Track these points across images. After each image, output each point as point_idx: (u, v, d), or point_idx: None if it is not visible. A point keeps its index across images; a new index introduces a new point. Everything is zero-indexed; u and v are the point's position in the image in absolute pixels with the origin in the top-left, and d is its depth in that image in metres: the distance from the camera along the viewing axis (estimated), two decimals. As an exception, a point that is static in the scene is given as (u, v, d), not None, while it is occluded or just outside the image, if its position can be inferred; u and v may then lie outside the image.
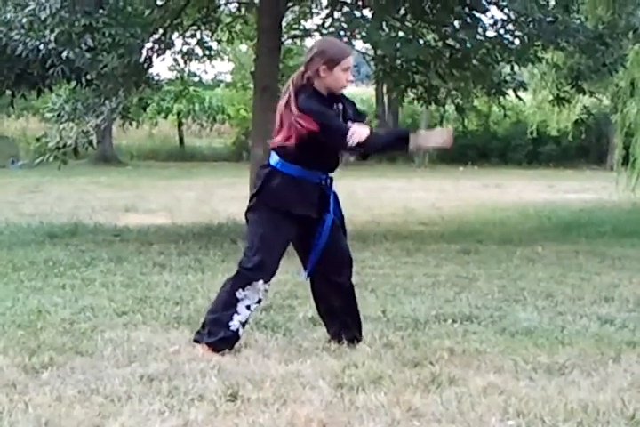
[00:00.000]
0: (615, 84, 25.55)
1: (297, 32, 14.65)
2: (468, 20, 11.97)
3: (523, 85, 13.45)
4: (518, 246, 11.31)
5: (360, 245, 11.11)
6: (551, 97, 14.68)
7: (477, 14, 12.08)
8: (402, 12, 12.30)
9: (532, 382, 4.98)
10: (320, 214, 5.60)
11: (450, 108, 17.27)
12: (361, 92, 39.55)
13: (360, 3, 12.36)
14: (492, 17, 12.35)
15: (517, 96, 13.53)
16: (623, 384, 4.93)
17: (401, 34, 12.02)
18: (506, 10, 12.04)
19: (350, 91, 36.51)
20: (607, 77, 13.69)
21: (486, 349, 5.67)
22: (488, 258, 10.32)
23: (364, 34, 11.51)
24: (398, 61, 12.16)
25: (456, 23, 12.20)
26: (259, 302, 5.59)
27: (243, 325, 5.53)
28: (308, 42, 14.27)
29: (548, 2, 11.91)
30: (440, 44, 12.43)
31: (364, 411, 4.40)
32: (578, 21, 11.96)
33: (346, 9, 12.05)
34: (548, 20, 11.48)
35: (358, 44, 12.56)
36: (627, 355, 5.57)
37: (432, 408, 4.46)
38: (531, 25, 11.51)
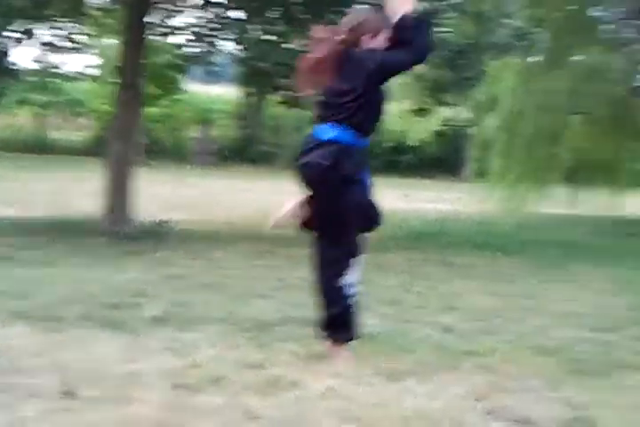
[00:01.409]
0: (475, 98, 26.15)
1: (164, 29, 14.51)
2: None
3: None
4: (370, 253, 11.36)
5: (214, 245, 11.14)
6: (412, 107, 14.95)
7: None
8: (273, 15, 12.33)
9: (370, 388, 5.04)
10: None
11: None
12: (226, 93, 39.47)
13: (230, 4, 12.34)
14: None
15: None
16: (458, 393, 5.03)
17: (269, 37, 12.05)
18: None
19: (216, 91, 36.11)
20: (467, 91, 14.00)
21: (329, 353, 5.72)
22: (339, 263, 10.38)
23: (234, 35, 11.52)
24: (265, 64, 12.17)
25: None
26: None
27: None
28: (174, 39, 14.11)
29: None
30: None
31: (201, 412, 4.39)
32: (443, 35, 12.20)
33: (215, 9, 12.02)
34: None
35: (227, 45, 12.51)
36: (464, 364, 5.68)
37: (270, 411, 4.48)
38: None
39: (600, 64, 16.76)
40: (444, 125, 36.59)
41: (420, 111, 13.64)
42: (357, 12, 5.92)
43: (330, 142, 5.42)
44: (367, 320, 6.94)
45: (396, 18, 5.45)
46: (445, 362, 5.69)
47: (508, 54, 13.01)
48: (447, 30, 12.61)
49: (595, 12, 19.85)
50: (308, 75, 5.67)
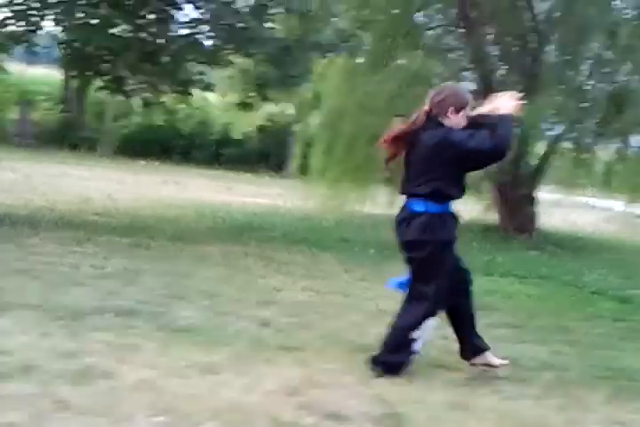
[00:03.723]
0: (300, 95, 26.36)
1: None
2: (163, 15, 11.97)
3: (210, 87, 13.60)
4: (189, 245, 11.39)
5: (30, 231, 10.87)
6: (237, 101, 14.96)
7: (173, 11, 12.10)
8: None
9: (184, 380, 5.03)
10: None
11: (137, 100, 17.17)
12: (49, 75, 38.51)
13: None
14: (188, 15, 12.41)
15: (204, 96, 13.67)
16: (272, 387, 5.08)
17: (93, 20, 11.81)
18: (201, 10, 12.13)
19: (39, 72, 35.05)
20: (293, 88, 14.10)
21: (143, 344, 5.68)
22: (158, 254, 10.32)
23: (55, 16, 11.26)
24: (88, 48, 11.92)
25: (150, 17, 12.15)
26: None
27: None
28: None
29: (242, 9, 12.11)
30: (132, 35, 12.31)
31: (10, 401, 4.29)
32: (269, 31, 12.23)
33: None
34: (241, 26, 11.67)
35: (48, 26, 12.20)
36: (279, 358, 5.74)
37: (82, 401, 4.42)
38: (223, 28, 11.66)
39: (422, 69, 17.13)
40: (269, 121, 36.79)
41: (245, 105, 13.68)
42: (443, 87, 6.13)
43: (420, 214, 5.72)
44: (184, 312, 6.95)
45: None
46: (261, 356, 5.73)
47: (333, 54, 13.16)
48: (273, 26, 12.68)
49: (418, 18, 20.32)
50: (389, 148, 5.92)
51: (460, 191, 5.81)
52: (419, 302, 5.74)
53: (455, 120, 5.80)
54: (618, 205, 18.78)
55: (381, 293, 9.27)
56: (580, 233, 19.89)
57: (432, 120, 5.78)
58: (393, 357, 5.72)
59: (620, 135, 18.15)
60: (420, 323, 5.69)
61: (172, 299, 7.50)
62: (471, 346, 6.03)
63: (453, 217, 5.82)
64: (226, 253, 11.05)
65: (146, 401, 4.53)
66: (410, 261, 5.81)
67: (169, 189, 21.70)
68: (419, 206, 5.71)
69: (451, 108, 5.78)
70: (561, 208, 19.36)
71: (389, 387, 5.35)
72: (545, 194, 19.28)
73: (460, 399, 5.26)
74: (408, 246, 5.78)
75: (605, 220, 22.54)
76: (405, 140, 5.82)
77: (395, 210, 6.02)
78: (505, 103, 5.78)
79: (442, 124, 5.77)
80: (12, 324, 5.80)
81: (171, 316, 6.73)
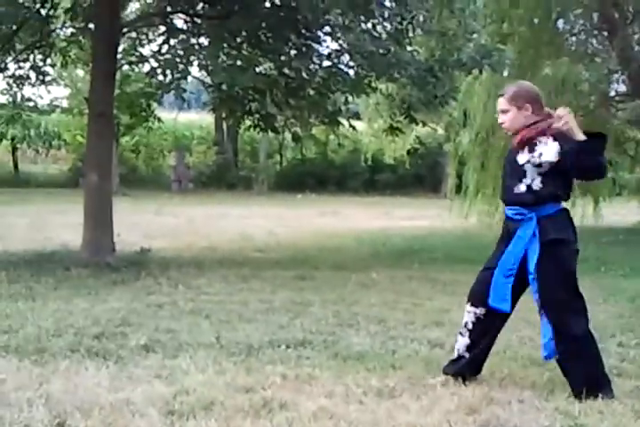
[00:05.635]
0: (449, 115, 26.23)
1: (133, 58, 14.48)
2: (304, 49, 12.11)
3: (357, 115, 13.68)
4: (353, 272, 11.44)
5: (196, 271, 11.13)
6: (385, 126, 14.97)
7: (313, 44, 12.23)
8: (238, 40, 12.36)
9: (362, 406, 5.04)
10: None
11: (288, 135, 17.40)
12: (201, 119, 39.50)
13: (196, 30, 12.38)
14: (328, 47, 12.53)
15: (351, 125, 13.73)
16: (450, 407, 5.04)
17: (237, 62, 12.05)
18: (340, 41, 12.24)
19: (191, 118, 36.03)
20: (440, 108, 14.03)
21: (318, 373, 5.72)
22: (323, 284, 10.41)
23: (200, 61, 11.55)
24: (234, 89, 12.17)
25: (292, 52, 12.31)
26: (466, 325, 5.84)
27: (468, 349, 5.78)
28: (146, 67, 14.09)
29: (380, 34, 12.14)
30: (276, 72, 12.52)
31: (195, 438, 4.38)
32: (410, 54, 12.22)
33: (182, 36, 12.04)
34: (381, 51, 11.70)
35: (195, 71, 12.53)
36: (454, 378, 5.69)
37: (262, 434, 4.47)
38: (364, 56, 11.72)
39: (569, 76, 16.86)
40: (420, 143, 36.78)
41: (394, 130, 13.70)
42: None
43: None
44: (355, 339, 6.97)
45: None
46: (436, 377, 5.69)
47: (477, 70, 13.03)
48: (413, 49, 12.67)
49: (561, 24, 20.01)
50: None
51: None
52: None
53: None
54: None
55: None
56: None
57: None
58: None
59: None
60: None
61: (342, 327, 7.54)
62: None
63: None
64: (390, 278, 11.07)
65: (326, 430, 4.55)
66: None
67: (327, 220, 21.90)
68: None
69: None
70: None
71: (570, 399, 5.24)
72: None
73: (646, 408, 5.11)
74: None
75: None
76: None
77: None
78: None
79: None
80: (188, 363, 5.93)
81: (342, 344, 6.76)
